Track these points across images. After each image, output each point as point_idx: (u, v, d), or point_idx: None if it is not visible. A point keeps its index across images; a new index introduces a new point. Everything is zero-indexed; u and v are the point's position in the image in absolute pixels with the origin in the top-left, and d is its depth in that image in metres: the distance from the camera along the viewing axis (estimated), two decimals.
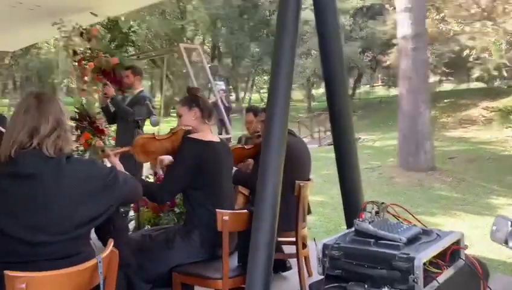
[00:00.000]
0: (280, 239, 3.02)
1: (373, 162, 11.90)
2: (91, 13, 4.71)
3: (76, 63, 5.01)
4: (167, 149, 2.46)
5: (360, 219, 1.72)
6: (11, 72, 22.92)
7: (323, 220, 6.46)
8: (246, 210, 2.13)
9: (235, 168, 2.95)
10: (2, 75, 20.52)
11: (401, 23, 9.99)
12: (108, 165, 1.93)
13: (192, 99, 2.45)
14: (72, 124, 4.92)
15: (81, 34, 4.79)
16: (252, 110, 3.75)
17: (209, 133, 2.43)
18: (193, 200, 2.33)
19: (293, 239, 2.88)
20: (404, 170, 10.00)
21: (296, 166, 2.93)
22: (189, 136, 2.35)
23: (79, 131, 4.90)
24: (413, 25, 9.64)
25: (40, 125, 1.52)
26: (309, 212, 3.24)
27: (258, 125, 3.17)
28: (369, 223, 1.71)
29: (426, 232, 1.75)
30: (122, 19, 5.04)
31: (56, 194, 1.47)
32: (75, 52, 4.89)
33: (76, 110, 5.05)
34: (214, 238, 2.17)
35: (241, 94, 33.72)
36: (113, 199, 1.59)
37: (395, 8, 11.18)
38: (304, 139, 15.52)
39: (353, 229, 1.73)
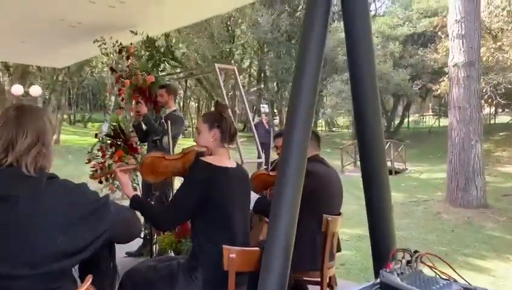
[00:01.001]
0: (306, 279, 2.75)
1: (419, 195, 11.27)
2: (130, 31, 4.72)
3: (115, 80, 5.04)
4: (178, 170, 2.26)
5: (387, 270, 1.44)
6: (64, 89, 24.03)
7: (359, 257, 6.03)
8: (257, 248, 1.87)
9: (257, 196, 2.72)
10: (57, 92, 21.48)
11: (453, 50, 9.52)
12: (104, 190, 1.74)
13: (216, 118, 2.22)
14: (107, 141, 4.92)
15: (120, 52, 4.81)
16: (282, 134, 3.52)
17: (225, 158, 2.20)
18: (200, 232, 2.09)
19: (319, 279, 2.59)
20: (452, 206, 9.36)
21: (325, 198, 2.65)
22: (201, 158, 2.13)
23: (113, 148, 4.87)
24: (465, 53, 9.16)
25: (16, 139, 1.34)
26: (338, 249, 2.93)
27: None
28: (398, 275, 1.43)
29: None
30: (160, 37, 5.04)
31: (32, 221, 1.26)
32: (112, 70, 4.91)
33: (112, 127, 5.05)
34: (220, 279, 1.91)
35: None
36: (101, 230, 1.36)
37: (447, 36, 10.71)
38: (347, 167, 15.10)
39: (378, 280, 1.45)
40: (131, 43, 4.94)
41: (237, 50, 26.70)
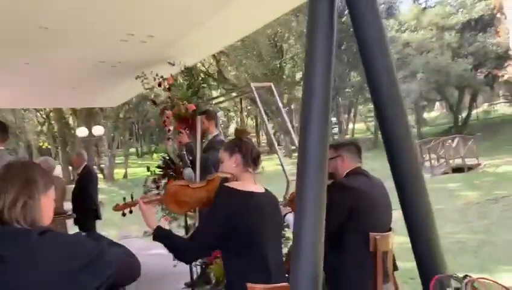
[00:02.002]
0: None
1: (497, 191, 10.38)
2: (168, 63, 4.80)
3: (159, 113, 5.13)
4: (202, 199, 2.16)
5: None
6: (128, 124, 25.18)
7: None
8: (287, 283, 1.71)
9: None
10: (120, 128, 22.64)
11: None
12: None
13: (235, 143, 2.13)
14: (159, 172, 4.99)
15: (160, 84, 4.89)
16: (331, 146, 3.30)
17: (251, 183, 2.07)
18: (230, 267, 1.96)
19: None
20: None
21: (370, 215, 2.42)
22: (225, 184, 2.02)
23: (166, 178, 4.93)
24: None
25: (1, 195, 1.33)
26: (395, 268, 2.67)
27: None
28: None
29: None
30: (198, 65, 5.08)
31: (26, 280, 1.22)
32: (154, 102, 5.00)
33: (161, 158, 5.13)
34: None
35: (347, 125, 32.92)
36: (98, 279, 1.31)
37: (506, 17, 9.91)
38: None
39: None
40: (171, 74, 5.02)
41: (287, 64, 26.67)
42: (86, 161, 6.03)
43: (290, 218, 2.52)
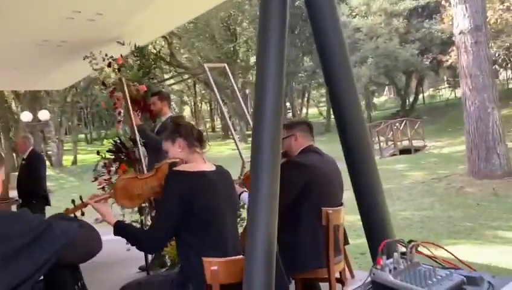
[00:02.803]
0: (315, 277, 2.59)
1: (440, 171, 10.96)
2: (118, 42, 4.63)
3: (109, 95, 4.96)
4: (154, 189, 2.09)
5: (378, 267, 1.29)
6: (76, 109, 24.18)
7: None
8: (242, 256, 1.72)
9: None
10: (67, 113, 21.69)
11: (457, 17, 9.18)
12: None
13: (174, 130, 2.12)
14: (110, 156, 4.84)
15: (109, 65, 4.71)
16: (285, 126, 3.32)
17: (201, 163, 2.07)
18: (185, 244, 1.94)
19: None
20: (475, 179, 9.04)
21: (323, 190, 2.49)
22: (173, 169, 2.00)
23: (117, 163, 4.79)
24: (470, 18, 8.81)
25: None
26: (346, 242, 2.77)
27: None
28: (391, 271, 1.27)
29: (473, 280, 1.27)
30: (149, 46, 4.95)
31: None
32: (104, 84, 4.83)
33: (113, 142, 4.97)
34: None
35: (300, 110, 33.37)
36: (43, 259, 1.24)
37: (450, 4, 10.35)
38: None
39: (369, 279, 1.30)
40: (121, 55, 4.85)
41: (241, 48, 26.53)
42: (32, 145, 5.75)
43: (245, 197, 2.54)
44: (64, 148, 23.28)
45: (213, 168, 2.07)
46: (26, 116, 11.96)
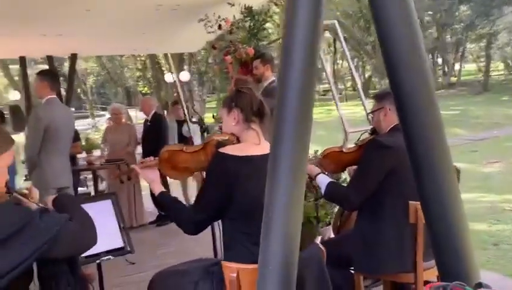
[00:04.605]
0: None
1: None
2: (228, 3, 4.44)
3: (222, 59, 4.86)
4: (202, 164, 1.92)
5: None
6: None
7: None
8: None
9: (328, 179, 2.20)
10: (208, 74, 22.68)
11: None
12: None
13: (231, 97, 1.86)
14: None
15: (219, 27, 4.58)
16: (382, 96, 2.67)
17: (254, 144, 1.78)
18: (230, 234, 1.77)
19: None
20: None
21: (411, 179, 1.94)
22: (220, 150, 1.75)
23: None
24: None
25: None
26: None
27: None
28: None
29: None
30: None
31: None
32: (214, 47, 4.73)
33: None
34: None
35: (453, 66, 29.82)
36: (27, 254, 1.25)
37: None
38: None
39: None
40: (234, 16, 4.66)
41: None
42: (155, 108, 6.15)
43: (321, 179, 2.24)
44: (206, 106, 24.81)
45: (266, 151, 1.69)
46: (169, 77, 12.88)
